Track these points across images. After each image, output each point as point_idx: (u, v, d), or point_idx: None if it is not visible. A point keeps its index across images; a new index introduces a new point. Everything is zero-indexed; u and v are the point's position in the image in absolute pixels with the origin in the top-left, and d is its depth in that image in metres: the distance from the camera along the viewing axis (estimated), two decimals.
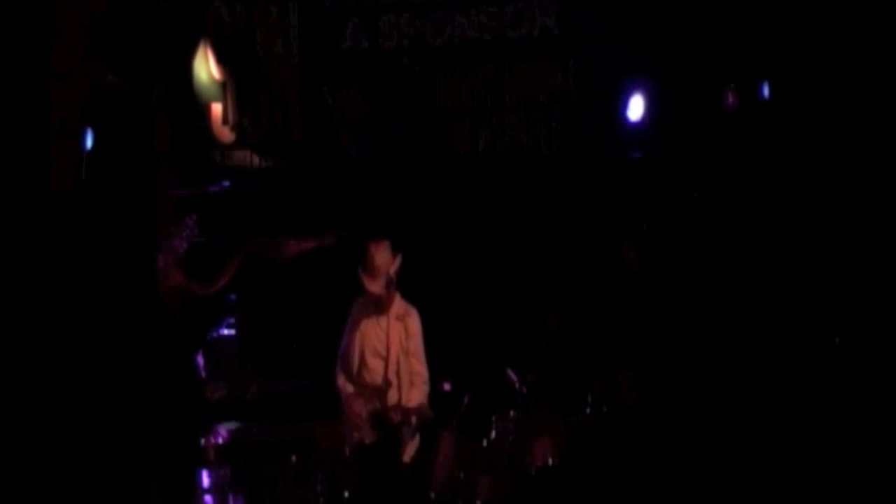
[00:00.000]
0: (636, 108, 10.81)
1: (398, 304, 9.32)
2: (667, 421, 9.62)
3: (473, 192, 11.02)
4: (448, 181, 10.98)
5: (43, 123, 9.55)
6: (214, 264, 9.86)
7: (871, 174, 10.12)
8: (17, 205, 9.31)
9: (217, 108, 10.71)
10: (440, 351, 9.67)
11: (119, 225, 9.64)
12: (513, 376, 9.61)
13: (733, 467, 9.30)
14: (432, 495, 9.27)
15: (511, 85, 10.90)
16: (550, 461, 9.40)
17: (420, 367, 9.36)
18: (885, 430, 9.32)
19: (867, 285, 9.95)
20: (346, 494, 9.06)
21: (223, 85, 10.72)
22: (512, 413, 9.54)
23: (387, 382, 9.19)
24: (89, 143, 9.75)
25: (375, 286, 9.19)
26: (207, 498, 9.58)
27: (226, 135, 10.73)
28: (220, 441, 9.66)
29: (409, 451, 9.23)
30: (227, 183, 10.70)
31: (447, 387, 9.42)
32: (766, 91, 10.62)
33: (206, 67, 10.68)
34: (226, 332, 10.51)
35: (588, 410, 9.63)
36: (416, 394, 9.31)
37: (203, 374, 10.06)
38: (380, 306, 9.27)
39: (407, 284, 9.39)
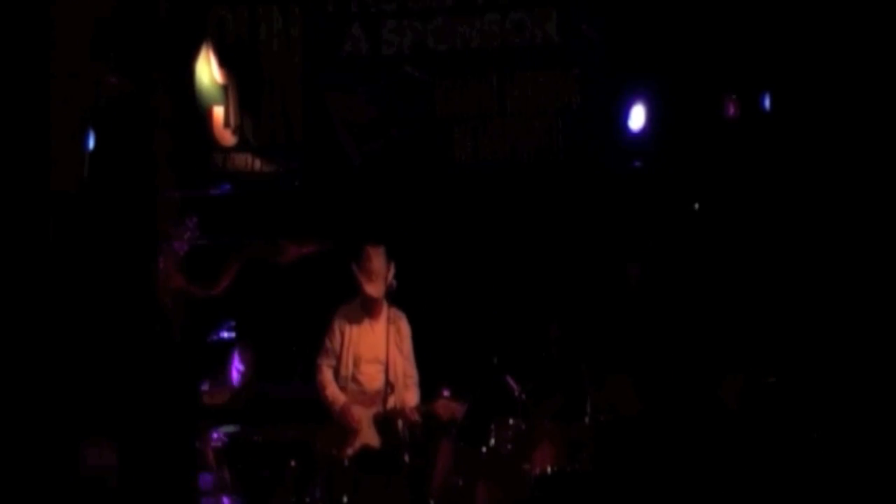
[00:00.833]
0: (637, 117, 10.79)
1: (389, 309, 9.41)
2: (667, 429, 9.61)
3: (474, 199, 11.03)
4: (448, 188, 10.99)
5: (44, 124, 9.51)
6: (215, 267, 9.88)
7: (872, 185, 10.11)
8: (17, 205, 9.27)
9: (219, 112, 10.70)
10: (440, 358, 9.69)
11: (120, 227, 9.61)
12: (513, 384, 9.61)
13: (732, 476, 9.31)
14: (431, 502, 9.27)
15: (512, 93, 10.86)
16: (549, 469, 9.39)
17: (412, 370, 9.51)
18: (887, 444, 9.32)
19: (870, 296, 9.95)
20: (345, 499, 9.05)
21: (225, 88, 10.72)
22: (511, 420, 9.53)
23: (389, 386, 9.21)
24: (91, 144, 9.74)
25: (373, 289, 9.28)
26: (206, 501, 9.57)
27: (227, 138, 10.72)
28: (220, 445, 9.66)
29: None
30: (228, 186, 10.70)
31: (446, 393, 9.43)
32: (767, 102, 10.63)
33: (208, 71, 10.67)
34: (225, 335, 10.52)
35: (587, 420, 9.62)
36: (410, 396, 9.41)
37: (202, 376, 10.05)
38: (371, 312, 9.34)
39: (406, 291, 9.41)
